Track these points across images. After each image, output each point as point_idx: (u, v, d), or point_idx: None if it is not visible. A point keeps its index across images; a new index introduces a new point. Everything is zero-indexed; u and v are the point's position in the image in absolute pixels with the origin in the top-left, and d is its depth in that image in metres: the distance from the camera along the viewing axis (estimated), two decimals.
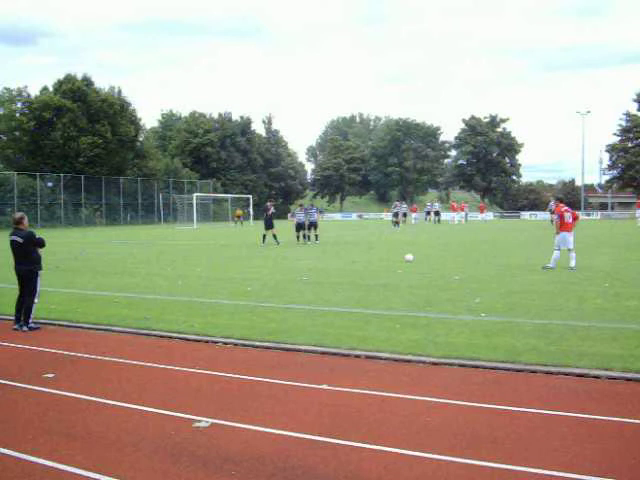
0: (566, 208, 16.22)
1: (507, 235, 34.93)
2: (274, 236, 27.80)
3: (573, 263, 15.65)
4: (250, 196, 68.71)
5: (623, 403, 5.77)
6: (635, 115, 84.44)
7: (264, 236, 28.27)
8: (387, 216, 56.53)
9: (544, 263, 16.25)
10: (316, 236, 28.83)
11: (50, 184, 59.08)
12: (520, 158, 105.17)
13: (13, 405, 5.97)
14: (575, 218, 16.14)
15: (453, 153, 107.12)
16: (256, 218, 59.86)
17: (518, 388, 6.28)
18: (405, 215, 48.35)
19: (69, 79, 64.43)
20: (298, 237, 28.86)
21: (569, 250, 15.76)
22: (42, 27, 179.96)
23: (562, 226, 15.93)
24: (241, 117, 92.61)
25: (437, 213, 56.35)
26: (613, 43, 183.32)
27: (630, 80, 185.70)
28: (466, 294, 11.87)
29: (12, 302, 10.09)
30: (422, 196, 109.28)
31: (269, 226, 28.20)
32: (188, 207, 64.53)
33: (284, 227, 34.23)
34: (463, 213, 58.49)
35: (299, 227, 28.95)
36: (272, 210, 28.74)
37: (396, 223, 47.06)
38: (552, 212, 38.84)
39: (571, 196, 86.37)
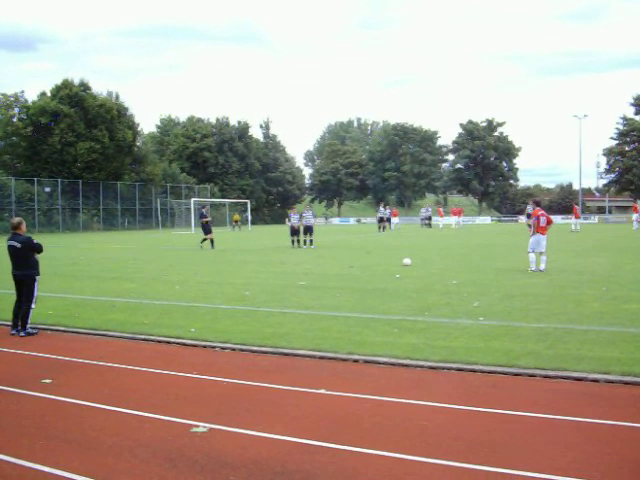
0: (542, 212, 16.84)
1: (504, 239, 34.92)
2: (205, 240, 28.74)
3: (543, 266, 16.17)
4: (248, 201, 68.74)
5: (622, 407, 5.76)
6: (632, 119, 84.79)
7: (211, 241, 29.05)
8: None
9: (527, 267, 16.36)
10: (311, 241, 28.80)
11: (48, 189, 59.03)
12: (517, 162, 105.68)
13: (10, 410, 5.95)
14: (549, 222, 16.72)
15: (450, 157, 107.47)
16: (254, 223, 59.85)
17: (516, 392, 6.27)
18: (386, 220, 48.29)
19: (66, 84, 64.40)
20: (293, 241, 28.86)
21: (541, 253, 16.33)
22: (42, 33, 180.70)
23: (538, 228, 16.47)
24: (239, 122, 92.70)
25: (429, 218, 56.69)
26: (609, 48, 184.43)
27: (627, 84, 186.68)
28: (464, 298, 11.86)
29: (9, 307, 10.06)
30: (420, 200, 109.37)
31: (207, 231, 29.17)
32: (186, 212, 64.58)
33: (281, 231, 34.22)
34: (455, 218, 58.34)
35: (294, 231, 28.96)
36: (208, 217, 29.96)
37: (380, 227, 47.14)
38: (529, 216, 39.65)
39: (568, 200, 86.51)
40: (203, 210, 30.95)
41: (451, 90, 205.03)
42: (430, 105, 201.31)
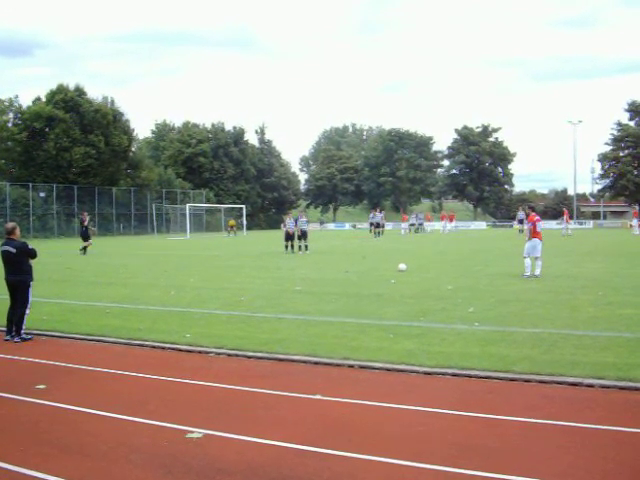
0: (538, 217, 16.82)
1: (499, 244, 34.95)
2: (84, 248, 29.47)
3: (539, 271, 16.20)
4: (243, 206, 68.71)
5: (617, 412, 5.77)
6: (627, 125, 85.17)
7: (85, 248, 29.69)
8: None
9: (522, 272, 16.38)
10: (306, 246, 28.86)
11: (43, 194, 58.83)
12: (512, 167, 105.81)
13: (4, 416, 5.92)
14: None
15: (446, 163, 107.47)
16: (249, 228, 59.81)
17: (512, 397, 6.28)
18: (379, 225, 48.05)
19: (61, 89, 64.19)
20: (286, 246, 28.91)
21: (536, 258, 16.31)
22: (39, 38, 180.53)
23: (534, 234, 16.44)
24: (234, 127, 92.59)
25: (420, 224, 57.93)
26: (605, 54, 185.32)
27: (621, 90, 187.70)
28: (459, 303, 11.87)
29: (3, 313, 10.03)
30: (415, 206, 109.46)
31: (85, 237, 30.03)
32: (181, 217, 64.51)
33: (277, 237, 34.22)
34: (443, 222, 58.92)
35: (288, 237, 29.02)
36: (87, 221, 30.73)
37: (375, 233, 47.05)
38: (521, 221, 40.72)
39: (563, 205, 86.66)
40: (82, 216, 32.02)
41: (446, 95, 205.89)
42: (425, 110, 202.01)
